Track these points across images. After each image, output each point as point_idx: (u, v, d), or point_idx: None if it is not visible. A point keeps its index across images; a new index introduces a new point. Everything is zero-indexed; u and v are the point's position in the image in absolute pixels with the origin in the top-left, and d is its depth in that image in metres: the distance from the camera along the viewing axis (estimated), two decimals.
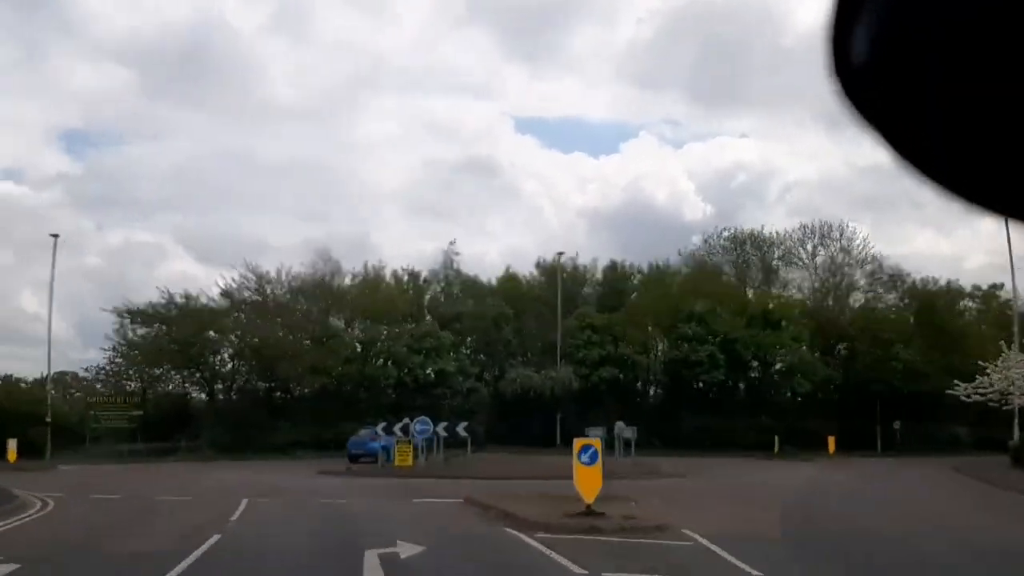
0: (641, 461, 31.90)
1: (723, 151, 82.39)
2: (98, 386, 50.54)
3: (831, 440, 43.45)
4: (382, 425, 32.58)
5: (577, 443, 14.07)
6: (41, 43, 64.34)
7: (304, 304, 49.71)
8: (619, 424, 33.63)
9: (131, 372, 49.91)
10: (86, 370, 48.32)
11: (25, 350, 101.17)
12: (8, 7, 62.78)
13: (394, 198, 77.20)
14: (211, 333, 47.18)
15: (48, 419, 43.45)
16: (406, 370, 48.21)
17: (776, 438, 43.12)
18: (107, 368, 49.20)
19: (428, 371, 48.49)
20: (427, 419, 30.41)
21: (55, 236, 45.28)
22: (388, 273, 52.17)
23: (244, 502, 17.62)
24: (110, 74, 63.06)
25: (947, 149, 0.85)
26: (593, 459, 13.70)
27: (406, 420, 35.00)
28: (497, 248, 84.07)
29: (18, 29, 65.96)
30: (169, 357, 46.39)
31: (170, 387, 52.27)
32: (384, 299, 50.40)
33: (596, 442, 14.25)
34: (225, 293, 47.06)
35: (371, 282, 51.41)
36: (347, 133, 70.63)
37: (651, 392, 54.65)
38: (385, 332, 48.95)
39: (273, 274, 48.90)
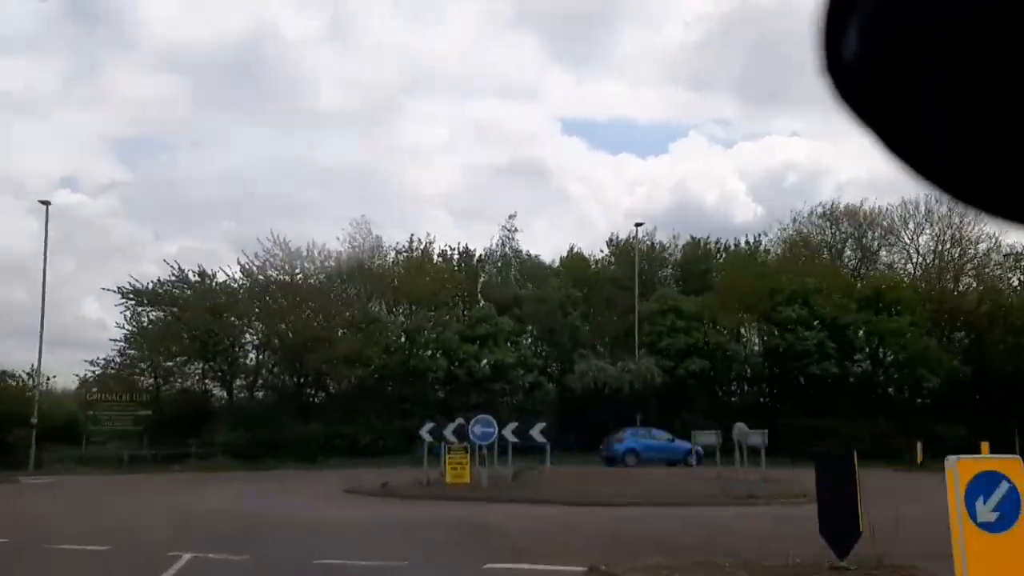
0: (771, 474, 23.84)
1: (773, 151, 76.37)
2: (110, 382, 43.60)
3: (984, 446, 34.77)
4: (428, 427, 24.80)
5: (960, 467, 6.16)
6: (99, 55, 63.52)
7: (340, 285, 42.37)
8: (739, 426, 25.60)
9: (143, 366, 42.98)
10: (91, 363, 41.42)
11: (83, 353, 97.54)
12: (69, 21, 63.70)
13: (442, 202, 74.14)
14: (231, 319, 39.98)
15: (34, 420, 36.61)
16: (457, 362, 40.61)
17: (919, 445, 34.53)
18: (115, 361, 42.23)
19: (483, 363, 40.83)
20: (490, 418, 22.54)
21: (45, 203, 38.66)
22: (436, 251, 44.55)
23: (183, 559, 10.10)
24: (164, 84, 62.16)
25: (947, 150, 0.82)
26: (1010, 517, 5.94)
27: (459, 421, 27.50)
28: (547, 251, 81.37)
29: (77, 42, 64.56)
30: (180, 345, 39.34)
31: (187, 383, 45.45)
32: (432, 280, 42.83)
33: (1016, 467, 6.32)
34: (247, 271, 39.90)
35: (417, 262, 43.86)
36: (395, 138, 67.02)
37: (743, 387, 46.19)
38: (433, 317, 41.37)
39: (304, 251, 41.66)
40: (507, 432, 23.25)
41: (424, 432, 23.33)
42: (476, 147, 70.99)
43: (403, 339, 41.93)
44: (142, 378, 44.09)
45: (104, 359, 41.96)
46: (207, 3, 67.13)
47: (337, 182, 69.48)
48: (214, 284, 39.07)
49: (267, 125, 65.61)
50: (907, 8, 0.76)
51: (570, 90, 72.30)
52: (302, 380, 41.70)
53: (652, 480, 23.75)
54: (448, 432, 22.85)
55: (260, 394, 43.34)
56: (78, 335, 63.90)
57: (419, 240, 43.45)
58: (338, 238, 44.28)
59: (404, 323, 42.32)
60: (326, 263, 42.55)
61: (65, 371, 47.15)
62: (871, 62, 0.79)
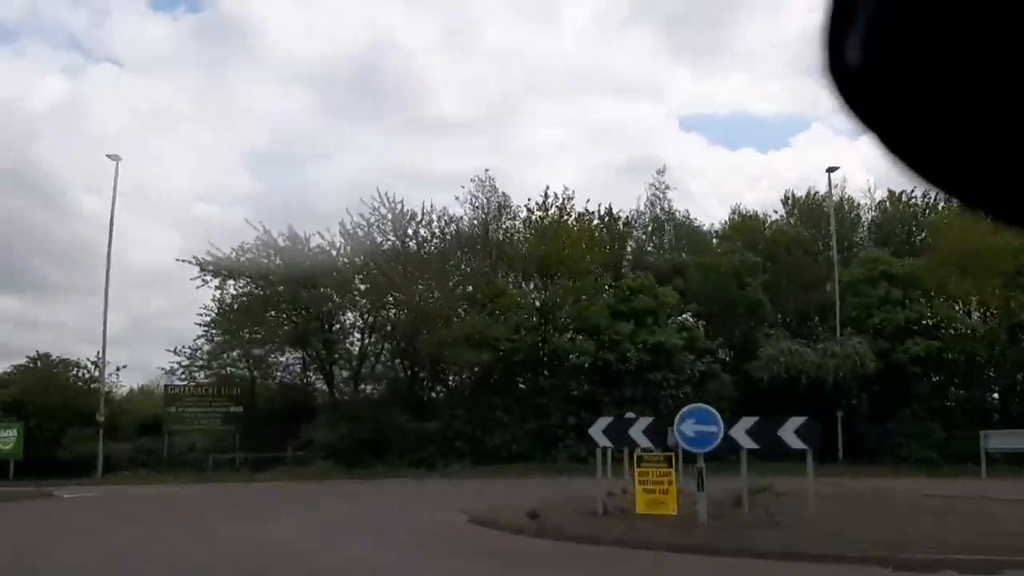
0: None
1: None
2: (200, 375, 37.14)
3: None
4: (604, 423, 15.71)
5: None
6: (229, 72, 64.94)
7: (460, 254, 34.57)
8: None
9: (234, 355, 36.36)
10: (175, 351, 34.99)
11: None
12: (204, 40, 65.39)
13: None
14: (331, 294, 32.65)
15: (100, 417, 30.28)
16: (607, 344, 32.06)
17: None
18: (202, 349, 35.72)
19: (641, 345, 32.14)
20: (709, 410, 13.42)
21: (115, 158, 32.46)
22: (575, 213, 35.87)
23: None
24: (291, 97, 63.21)
25: (953, 152, 0.82)
26: None
27: (630, 415, 19.33)
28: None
29: (209, 60, 66.19)
30: (267, 328, 32.36)
31: (285, 375, 38.72)
32: (573, 245, 34.46)
33: None
34: (348, 233, 32.45)
35: (553, 223, 35.49)
36: (512, 141, 63.95)
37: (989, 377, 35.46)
38: (576, 288, 32.99)
39: (418, 213, 33.98)
40: (741, 433, 14.01)
41: (598, 432, 14.50)
42: (593, 147, 68.29)
43: (537, 317, 33.67)
44: (234, 369, 37.62)
45: (189, 347, 35.59)
46: (328, 16, 66.87)
47: (456, 188, 65.80)
48: (307, 249, 31.79)
49: (387, 133, 63.43)
50: (913, 9, 0.74)
51: (687, 85, 68.88)
52: (415, 369, 34.07)
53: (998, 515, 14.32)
54: (636, 432, 14.07)
55: (366, 387, 36.04)
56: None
57: (555, 196, 35.07)
58: (457, 198, 36.57)
59: (538, 297, 34.06)
60: (444, 228, 34.85)
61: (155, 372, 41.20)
62: (875, 64, 0.76)
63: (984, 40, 0.72)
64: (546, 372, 33.05)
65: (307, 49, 64.81)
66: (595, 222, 37.01)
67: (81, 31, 68.13)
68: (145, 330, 57.63)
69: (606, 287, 33.62)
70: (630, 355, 32.13)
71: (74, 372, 33.39)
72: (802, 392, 31.25)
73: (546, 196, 34.75)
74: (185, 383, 35.34)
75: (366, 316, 33.44)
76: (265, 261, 31.32)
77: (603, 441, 14.43)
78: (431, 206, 34.99)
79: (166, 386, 34.55)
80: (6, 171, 51.21)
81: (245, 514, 17.16)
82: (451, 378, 35.27)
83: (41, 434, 29.94)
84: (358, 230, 31.85)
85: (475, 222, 35.90)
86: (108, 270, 31.95)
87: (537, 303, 33.87)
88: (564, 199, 34.98)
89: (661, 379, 32.76)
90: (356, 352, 34.93)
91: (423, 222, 34.17)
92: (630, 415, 19.47)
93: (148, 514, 16.53)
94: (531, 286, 34.96)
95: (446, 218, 35.14)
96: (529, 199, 35.33)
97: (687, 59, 68.90)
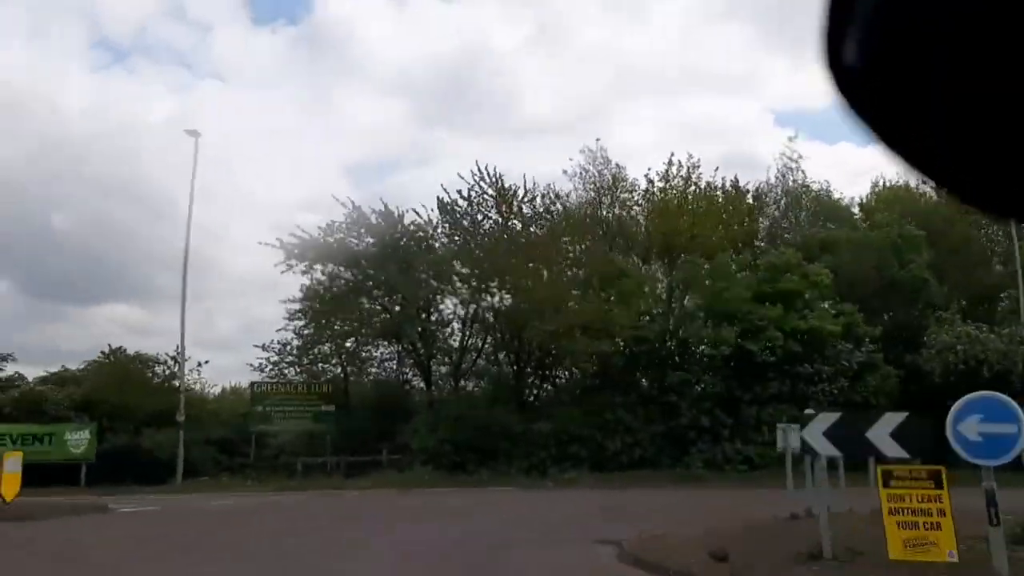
0: None
1: None
2: (289, 371, 34.21)
3: None
4: (824, 423, 11.28)
5: None
6: (328, 84, 67.26)
7: (572, 232, 30.48)
8: None
9: (326, 349, 33.29)
10: (263, 347, 32.10)
11: None
12: (303, 54, 67.21)
13: None
14: (429, 278, 29.08)
15: (180, 416, 27.48)
16: (750, 332, 27.49)
17: None
18: (292, 344, 32.76)
19: (789, 332, 27.47)
20: (1003, 401, 9.03)
21: (193, 134, 29.73)
22: (704, 183, 31.26)
23: None
24: (386, 107, 64.34)
25: (951, 147, 0.81)
26: None
27: (809, 411, 14.84)
28: None
29: (309, 74, 68.57)
30: (359, 316, 29.01)
31: (380, 371, 35.51)
32: (700, 223, 30.02)
33: None
34: (446, 209, 28.69)
35: (676, 194, 31.05)
36: (605, 142, 61.67)
37: None
38: (707, 268, 28.56)
39: (522, 188, 30.03)
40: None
41: (817, 434, 9.80)
42: (687, 144, 68.06)
43: (663, 302, 29.35)
44: (325, 365, 34.58)
45: (278, 343, 32.67)
46: (420, 24, 68.25)
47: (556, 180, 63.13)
48: (401, 227, 28.23)
49: (480, 136, 62.71)
50: (916, 2, 0.73)
51: (783, 79, 66.59)
52: (523, 363, 30.17)
53: None
54: (879, 434, 9.41)
55: (467, 384, 32.39)
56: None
57: (679, 164, 30.58)
58: (564, 172, 32.55)
59: (664, 279, 29.74)
60: (550, 205, 30.87)
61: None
62: (875, 57, 0.76)
63: (988, 32, 0.69)
64: (674, 365, 28.66)
65: (399, 55, 65.66)
66: (720, 198, 32.41)
67: (186, 48, 70.54)
68: (255, 334, 57.54)
69: (748, 265, 29.00)
70: (776, 345, 27.46)
71: (152, 368, 30.71)
72: (983, 386, 25.96)
73: (669, 163, 30.32)
74: (273, 380, 32.46)
75: (467, 304, 29.72)
76: (355, 241, 27.94)
77: (825, 448, 10.00)
78: (534, 183, 31.09)
79: (252, 383, 31.65)
80: (119, 185, 54.15)
81: (337, 533, 13.59)
82: (562, 371, 31.24)
83: (116, 436, 27.35)
84: (456, 207, 28.14)
85: (586, 198, 31.85)
86: (187, 250, 29.26)
87: (663, 286, 29.51)
88: (689, 167, 30.51)
89: (813, 372, 28.00)
90: (455, 345, 31.25)
91: (527, 199, 30.26)
92: (809, 411, 15.13)
93: (206, 543, 13.07)
94: (654, 267, 30.60)
95: (552, 194, 31.19)
96: (649, 169, 31.00)
97: (781, 54, 65.96)
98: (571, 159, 32.25)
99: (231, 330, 61.16)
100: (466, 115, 66.02)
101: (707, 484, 25.52)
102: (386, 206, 27.74)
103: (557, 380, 31.38)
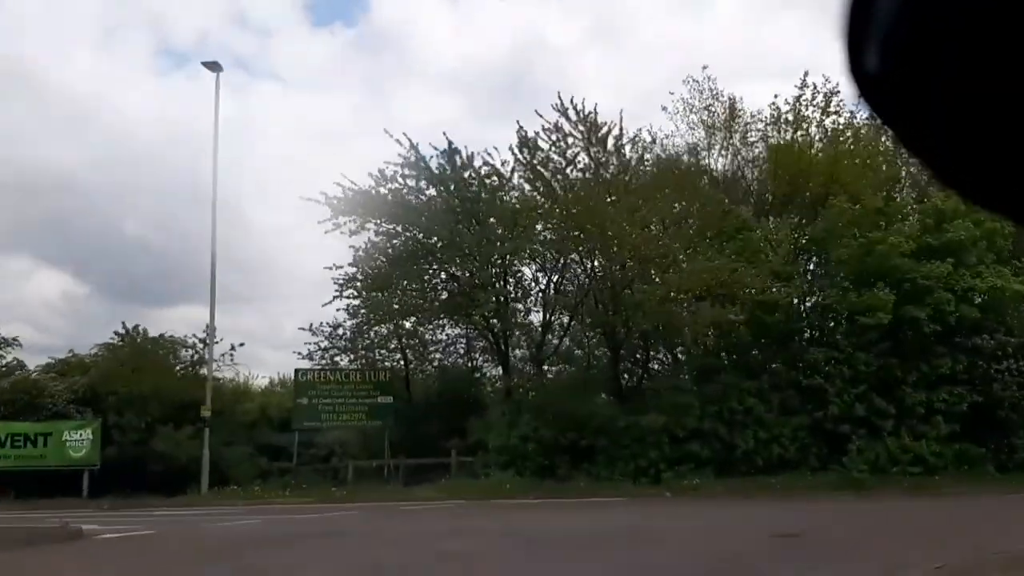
0: None
1: None
2: (343, 359, 29.01)
3: None
4: None
5: None
6: (386, 83, 65.26)
7: (676, 180, 24.53)
8: None
9: (384, 331, 28.06)
10: (310, 330, 26.98)
11: None
12: (362, 55, 66.88)
13: None
14: (505, 236, 23.36)
15: (206, 412, 22.42)
16: (909, 294, 21.38)
17: None
18: (344, 326, 27.61)
19: (962, 295, 21.33)
20: None
21: (213, 67, 24.70)
22: (844, 116, 24.85)
23: None
24: (442, 105, 59.06)
25: (952, 148, 0.81)
26: None
27: None
28: None
29: (366, 73, 66.48)
30: (420, 285, 23.62)
31: (446, 358, 30.23)
32: (841, 162, 23.91)
33: None
34: (527, 143, 22.84)
35: (805, 133, 24.88)
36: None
37: None
38: (853, 217, 22.46)
39: (616, 128, 24.08)
40: None
41: None
42: None
43: (795, 259, 23.34)
44: (384, 351, 29.40)
45: (328, 325, 27.57)
46: (475, 22, 65.03)
47: None
48: (469, 175, 22.59)
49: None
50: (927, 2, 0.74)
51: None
52: (621, 341, 24.39)
53: None
54: None
55: (550, 369, 26.82)
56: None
57: (814, 87, 24.30)
58: (664, 109, 26.70)
59: (799, 233, 23.68)
60: (646, 148, 25.01)
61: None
62: (891, 63, 0.76)
63: (999, 28, 0.69)
64: (814, 340, 22.71)
65: (455, 53, 62.71)
66: (863, 131, 26.11)
67: (248, 52, 69.51)
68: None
69: (907, 210, 22.89)
70: (947, 309, 21.32)
71: (177, 353, 25.62)
72: None
73: (803, 83, 24.08)
74: (321, 367, 27.34)
75: (552, 267, 24.12)
76: (413, 189, 22.43)
77: None
78: (622, 128, 25.07)
79: (296, 371, 26.47)
80: (184, 188, 53.66)
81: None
82: (667, 356, 25.47)
83: (125, 435, 22.41)
84: (539, 146, 22.41)
85: (692, 139, 26.01)
86: (214, 207, 24.21)
87: (794, 239, 23.48)
88: (826, 93, 24.32)
89: (995, 346, 21.82)
90: (537, 322, 25.65)
91: (624, 141, 24.40)
92: None
93: None
94: (779, 221, 24.52)
95: (649, 136, 25.30)
96: (776, 95, 24.84)
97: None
98: (672, 93, 26.33)
99: (298, 332, 59.18)
100: (522, 109, 63.54)
101: (875, 492, 19.64)
102: (450, 144, 22.18)
103: (665, 361, 25.59)
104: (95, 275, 56.40)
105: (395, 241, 22.83)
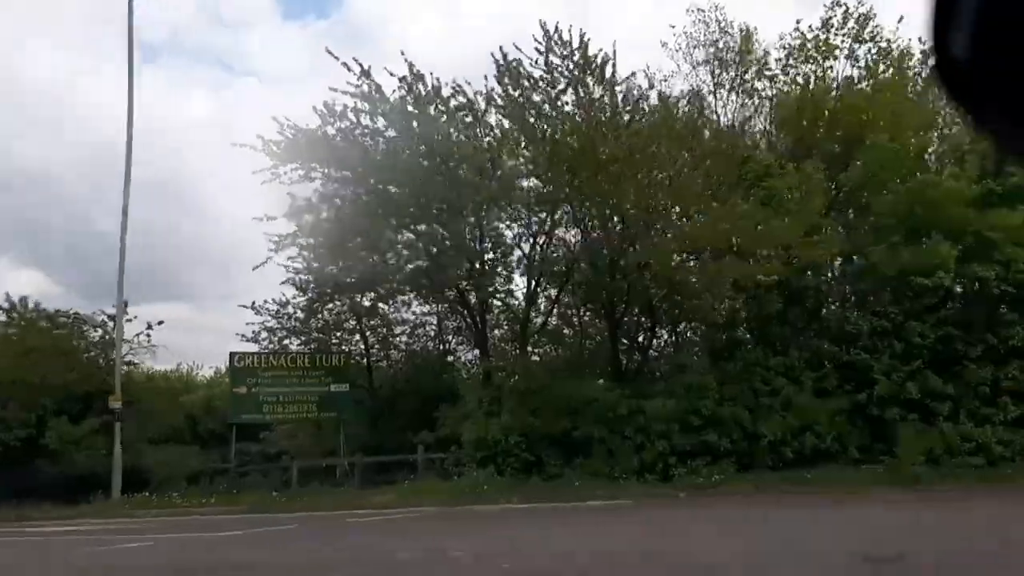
0: None
1: None
2: (293, 343, 24.79)
3: None
4: None
5: None
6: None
7: (687, 124, 20.50)
8: None
9: (338, 305, 23.96)
10: (253, 308, 22.87)
11: None
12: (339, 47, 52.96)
13: None
14: (483, 185, 19.06)
15: (116, 404, 18.14)
16: (971, 249, 17.64)
17: None
18: (294, 303, 23.48)
19: None
20: None
21: None
22: (884, 40, 20.88)
23: None
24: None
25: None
26: None
27: None
28: None
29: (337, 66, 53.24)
30: (378, 248, 19.46)
31: (413, 340, 26.25)
32: (878, 96, 20.08)
33: None
34: (509, 70, 18.22)
35: (833, 66, 21.04)
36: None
37: None
38: (896, 158, 18.63)
39: (612, 60, 19.94)
40: None
41: None
42: None
43: (829, 209, 19.48)
44: (341, 334, 25.36)
45: (275, 302, 23.46)
46: (465, 19, 61.48)
47: None
48: (436, 106, 18.35)
49: None
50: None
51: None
52: (619, 313, 20.39)
53: None
54: None
55: (538, 351, 22.84)
56: None
57: (846, 9, 20.38)
58: (664, 45, 22.79)
59: (832, 178, 19.78)
60: (646, 88, 20.97)
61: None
62: (979, 51, 0.75)
63: None
64: (855, 304, 18.91)
65: (445, 54, 58.92)
66: (889, 71, 22.29)
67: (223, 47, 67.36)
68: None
69: (958, 154, 19.11)
70: (1020, 268, 17.60)
71: (84, 334, 21.18)
72: None
73: (834, 3, 20.17)
74: (263, 351, 23.19)
75: (538, 227, 20.09)
76: (368, 129, 18.30)
77: None
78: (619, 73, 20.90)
79: (232, 354, 22.23)
80: (159, 184, 51.20)
81: None
82: (672, 324, 21.52)
83: (11, 431, 18.07)
84: (521, 75, 18.32)
85: (697, 79, 22.09)
86: (129, 156, 19.92)
87: (827, 188, 19.59)
88: (859, 18, 20.43)
89: None
90: (522, 292, 21.60)
91: (619, 81, 20.31)
92: None
93: None
94: (813, 165, 20.59)
95: (650, 76, 21.29)
96: (799, 21, 21.04)
97: None
98: (673, 26, 22.38)
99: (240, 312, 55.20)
100: None
101: (934, 488, 15.95)
102: (412, 67, 17.97)
103: (673, 336, 21.66)
104: (72, 275, 54.76)
105: (345, 192, 18.65)
